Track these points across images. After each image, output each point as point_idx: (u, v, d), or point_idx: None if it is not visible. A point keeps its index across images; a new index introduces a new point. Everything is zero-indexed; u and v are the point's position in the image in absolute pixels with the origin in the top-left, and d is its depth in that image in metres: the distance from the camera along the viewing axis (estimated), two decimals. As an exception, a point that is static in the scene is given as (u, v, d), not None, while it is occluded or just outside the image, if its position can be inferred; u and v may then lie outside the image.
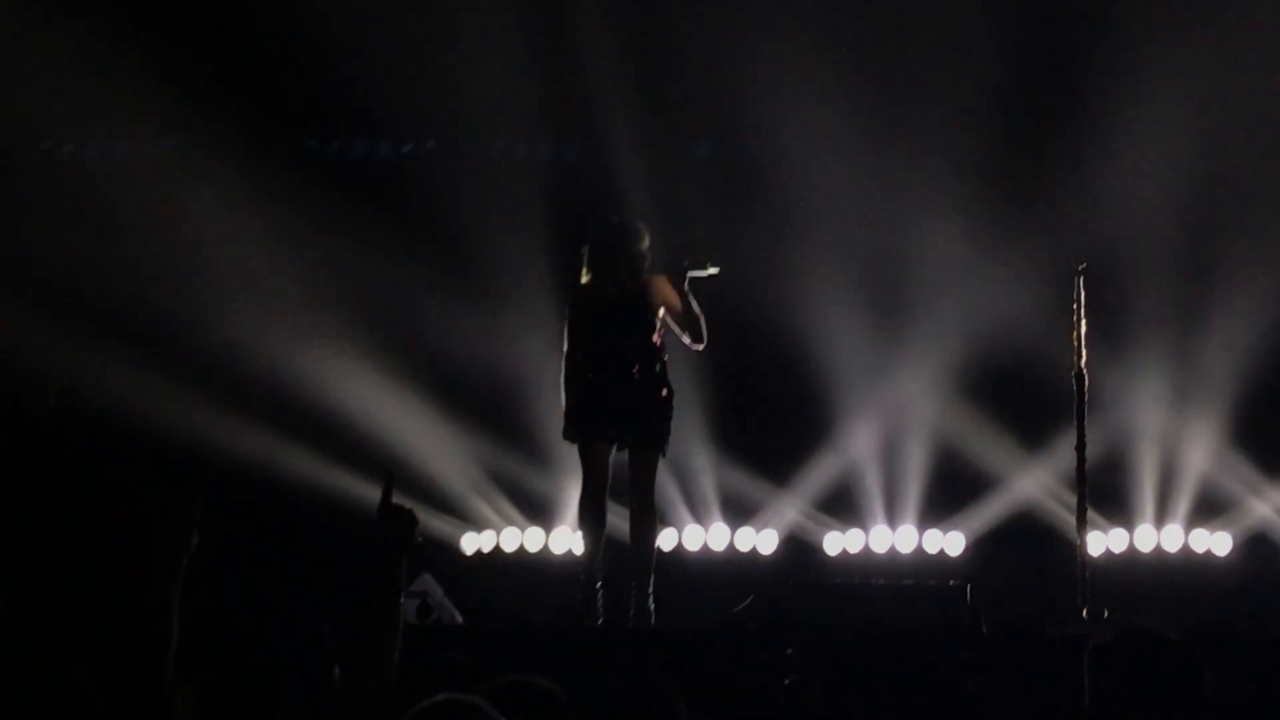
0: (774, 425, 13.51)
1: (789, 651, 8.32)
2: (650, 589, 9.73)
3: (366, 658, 4.64)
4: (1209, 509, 13.10)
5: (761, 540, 13.46)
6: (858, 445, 13.33)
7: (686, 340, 9.85)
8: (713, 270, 9.74)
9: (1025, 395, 12.62)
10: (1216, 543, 13.08)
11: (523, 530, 13.55)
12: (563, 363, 9.86)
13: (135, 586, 4.15)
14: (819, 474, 13.37)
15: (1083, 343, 9.80)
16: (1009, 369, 12.83)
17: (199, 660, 4.19)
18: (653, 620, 9.62)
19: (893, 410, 13.34)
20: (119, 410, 12.41)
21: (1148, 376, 12.95)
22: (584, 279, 9.87)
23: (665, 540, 13.33)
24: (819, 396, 13.31)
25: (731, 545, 13.46)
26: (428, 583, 10.24)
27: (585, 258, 9.87)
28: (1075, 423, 9.88)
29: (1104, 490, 12.03)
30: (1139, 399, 12.99)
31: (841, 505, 13.37)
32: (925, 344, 13.22)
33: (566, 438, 9.91)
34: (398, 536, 4.76)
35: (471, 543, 13.51)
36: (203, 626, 4.34)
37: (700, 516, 13.48)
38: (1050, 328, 11.20)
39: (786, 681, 7.89)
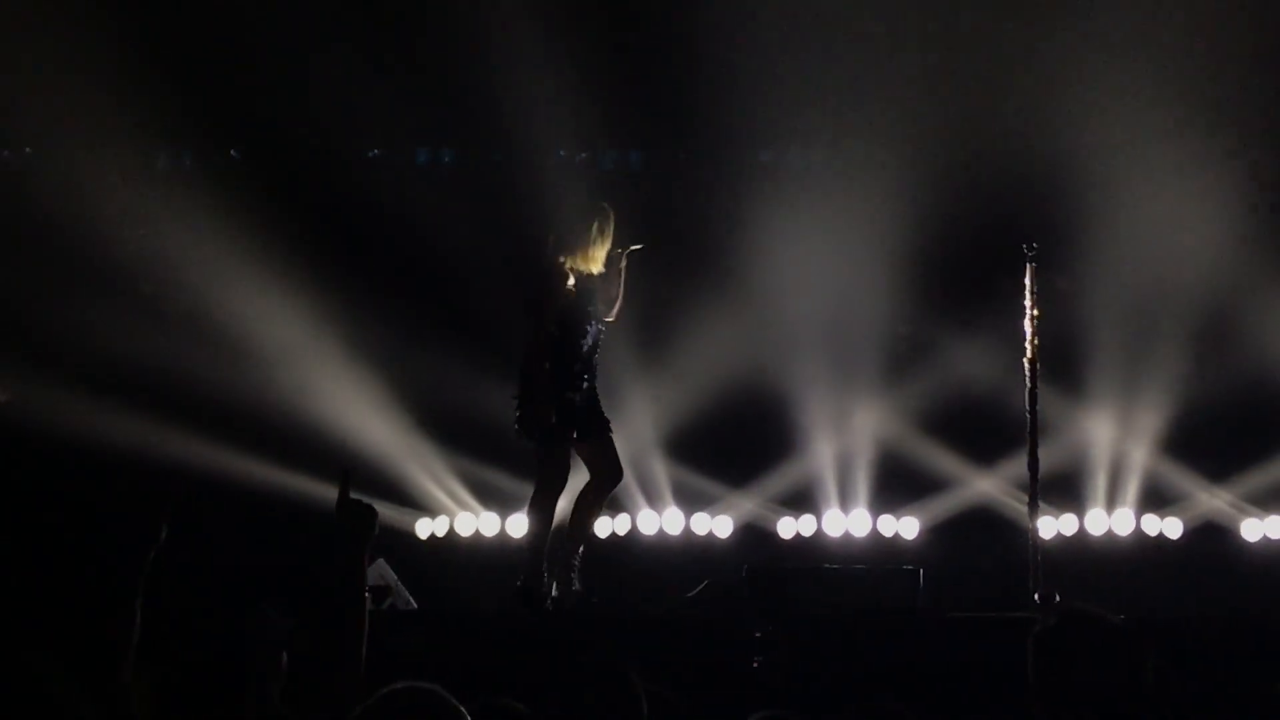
0: (728, 416, 13.50)
1: (757, 634, 8.36)
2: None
3: (335, 648, 4.65)
4: (1158, 499, 13.23)
5: (717, 525, 13.49)
6: (814, 434, 13.38)
7: (607, 315, 9.83)
8: (637, 246, 9.77)
9: (979, 384, 12.71)
10: (1168, 527, 13.19)
11: (477, 515, 13.55)
12: (548, 347, 9.58)
13: (100, 581, 4.17)
14: (775, 465, 13.43)
15: (1034, 328, 9.84)
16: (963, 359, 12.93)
17: (156, 653, 4.20)
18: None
19: (847, 399, 13.39)
20: (73, 409, 12.39)
21: (1100, 364, 13.04)
22: (576, 260, 9.71)
23: (619, 525, 13.41)
24: (774, 388, 13.36)
25: (687, 530, 13.48)
26: (382, 568, 10.22)
27: (581, 238, 9.72)
28: (1028, 408, 9.92)
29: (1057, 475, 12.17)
30: (1092, 387, 13.09)
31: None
32: (876, 335, 13.31)
33: (551, 435, 9.63)
34: (357, 530, 4.78)
35: (426, 528, 13.51)
36: (159, 620, 4.35)
37: (654, 502, 13.51)
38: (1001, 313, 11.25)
39: (755, 664, 7.94)
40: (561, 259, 9.63)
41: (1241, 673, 7.18)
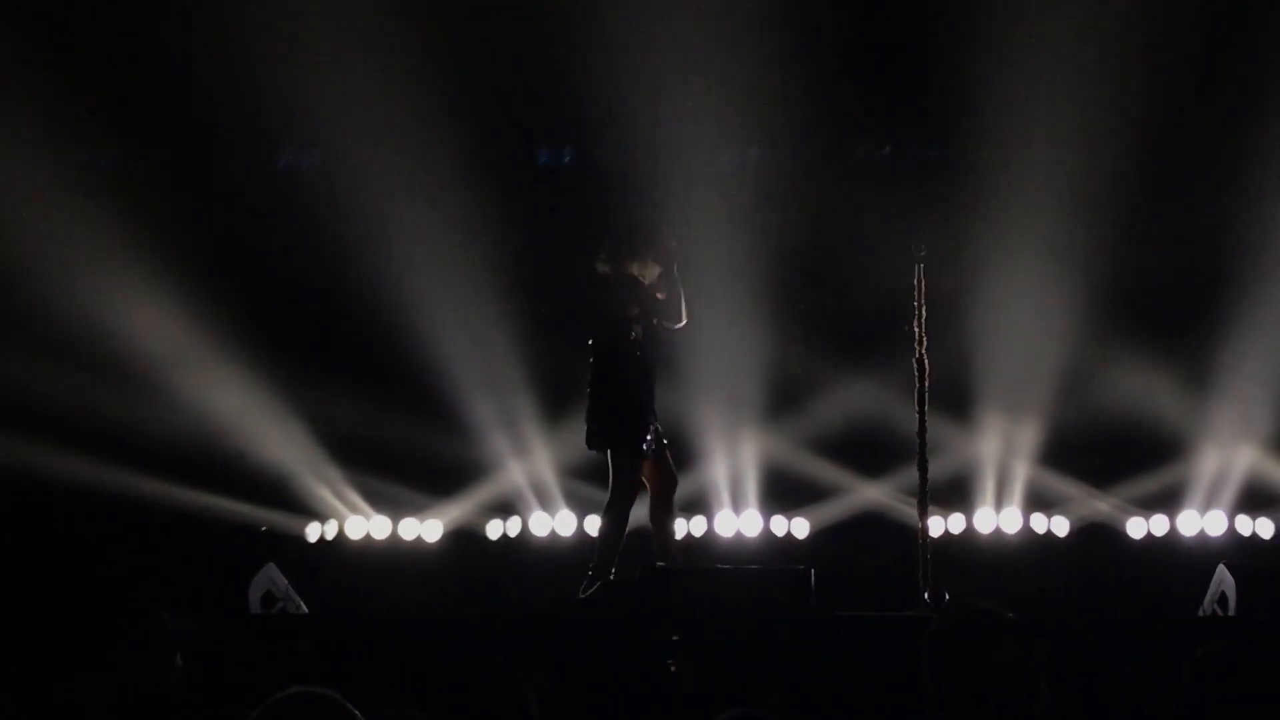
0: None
1: (675, 638, 8.37)
2: None
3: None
4: (1043, 500, 13.40)
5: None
6: (708, 448, 13.43)
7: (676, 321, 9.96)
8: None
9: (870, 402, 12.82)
10: (1055, 526, 13.34)
11: (368, 518, 13.49)
12: (626, 365, 9.74)
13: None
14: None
15: (923, 329, 9.90)
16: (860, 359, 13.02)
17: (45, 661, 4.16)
18: None
19: (741, 416, 13.46)
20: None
21: (989, 358, 13.18)
22: (642, 271, 9.77)
23: (510, 528, 13.41)
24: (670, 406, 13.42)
25: (580, 531, 13.47)
26: (272, 573, 10.15)
27: (647, 250, 9.79)
28: (916, 408, 9.98)
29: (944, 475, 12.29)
30: (980, 381, 13.23)
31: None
32: (778, 334, 13.38)
33: (637, 453, 9.80)
34: None
35: (315, 531, 13.42)
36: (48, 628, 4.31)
37: (547, 503, 13.50)
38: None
39: (672, 667, 7.95)
40: (628, 268, 9.71)
41: (1128, 666, 7.28)
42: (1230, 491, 13.27)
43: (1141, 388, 13.13)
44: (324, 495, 13.42)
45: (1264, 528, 13.21)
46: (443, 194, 13.25)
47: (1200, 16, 12.68)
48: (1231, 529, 13.20)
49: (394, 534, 13.45)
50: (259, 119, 13.38)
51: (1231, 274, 13.18)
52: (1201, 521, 13.24)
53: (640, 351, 9.72)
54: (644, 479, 9.94)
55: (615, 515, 9.86)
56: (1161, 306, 13.52)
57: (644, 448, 9.75)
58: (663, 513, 9.99)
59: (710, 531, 13.40)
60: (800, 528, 13.40)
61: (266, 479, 13.10)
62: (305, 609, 10.37)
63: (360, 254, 13.09)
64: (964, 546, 13.17)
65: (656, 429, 9.86)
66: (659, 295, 9.81)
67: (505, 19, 13.05)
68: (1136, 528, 13.32)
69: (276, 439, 13.19)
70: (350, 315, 13.33)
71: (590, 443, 9.94)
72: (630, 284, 9.73)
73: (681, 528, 13.37)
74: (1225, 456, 13.27)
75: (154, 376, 12.90)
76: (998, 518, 13.32)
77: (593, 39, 12.48)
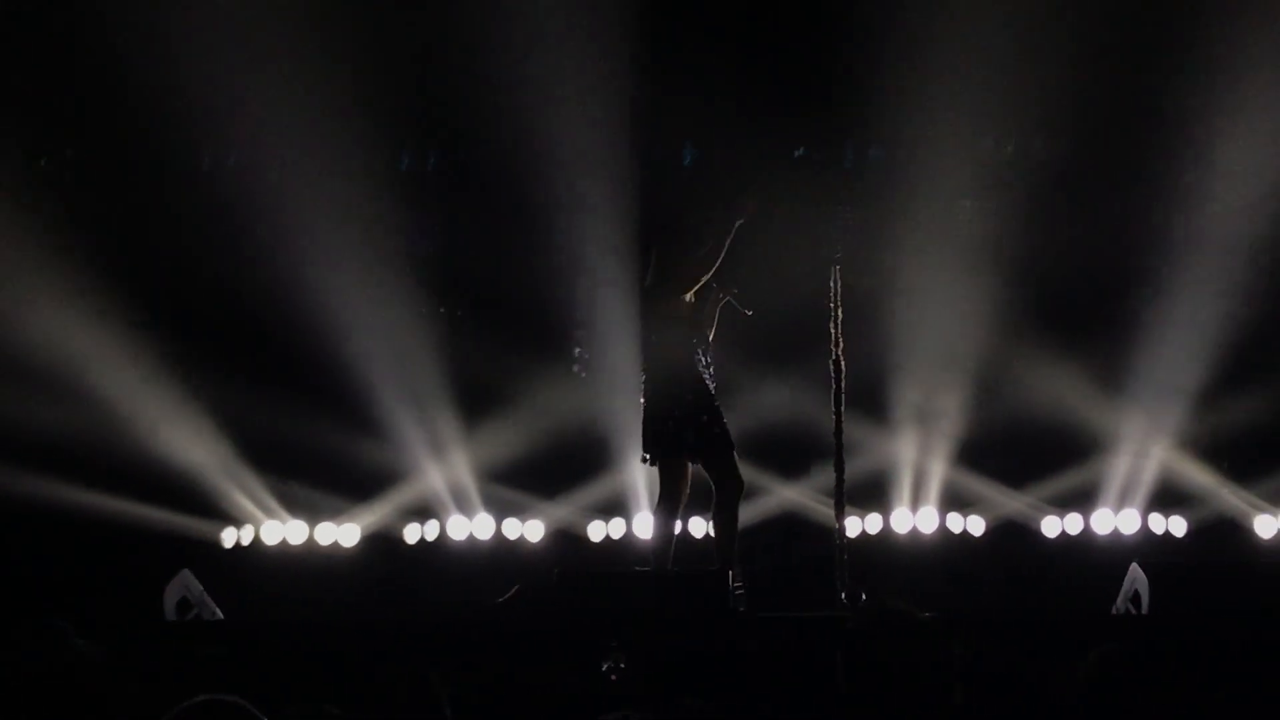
0: (545, 439, 13.52)
1: (614, 644, 8.36)
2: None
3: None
4: (959, 499, 13.48)
5: (528, 530, 13.47)
6: (625, 453, 13.44)
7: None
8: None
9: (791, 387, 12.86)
10: (971, 525, 13.43)
11: (284, 523, 13.41)
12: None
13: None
14: (589, 479, 13.47)
15: (839, 330, 9.94)
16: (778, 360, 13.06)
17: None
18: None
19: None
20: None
21: (906, 359, 13.26)
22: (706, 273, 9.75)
23: (428, 532, 13.37)
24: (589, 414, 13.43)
25: (498, 535, 13.46)
26: (187, 579, 10.06)
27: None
28: (833, 409, 10.02)
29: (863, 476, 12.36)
30: (897, 382, 13.30)
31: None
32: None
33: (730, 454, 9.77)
34: None
35: (231, 537, 13.34)
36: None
37: (464, 507, 13.47)
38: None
39: (606, 668, 7.93)
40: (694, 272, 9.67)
41: (1043, 663, 7.31)
42: (1143, 490, 13.39)
43: (1056, 388, 13.24)
44: (240, 500, 13.33)
45: (1176, 526, 13.35)
46: (362, 197, 13.21)
47: (1116, 17, 12.78)
48: (1145, 527, 13.34)
49: (310, 539, 13.39)
50: (177, 120, 13.29)
51: (1145, 275, 13.31)
52: (1115, 520, 13.37)
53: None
54: (683, 481, 9.88)
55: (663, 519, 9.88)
56: (1076, 307, 13.64)
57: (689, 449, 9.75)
58: (726, 516, 9.91)
59: (629, 534, 13.41)
60: (720, 529, 13.41)
61: (181, 484, 13.00)
62: (220, 615, 10.29)
63: (276, 257, 13.02)
64: (881, 546, 13.23)
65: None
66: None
67: (417, 24, 13.03)
68: (1051, 526, 13.43)
69: (191, 443, 13.10)
70: (265, 318, 13.24)
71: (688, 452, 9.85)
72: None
73: (600, 530, 13.43)
74: (1138, 456, 13.40)
75: (64, 380, 12.78)
76: (914, 517, 13.40)
77: (492, 43, 12.53)
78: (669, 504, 9.79)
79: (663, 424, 9.69)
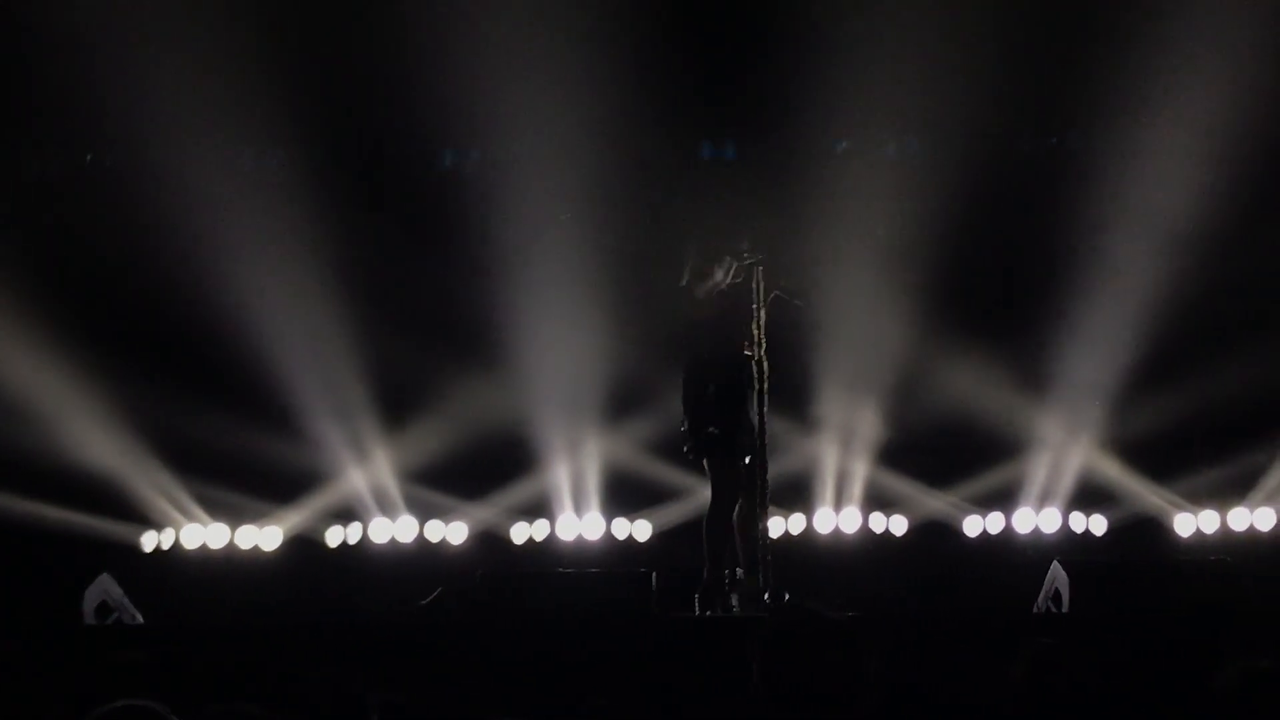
0: (470, 444, 13.49)
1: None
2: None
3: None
4: (881, 499, 13.55)
5: (451, 532, 13.44)
6: (550, 456, 13.44)
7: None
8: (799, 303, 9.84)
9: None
10: (894, 525, 13.50)
11: (205, 526, 13.33)
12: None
13: None
14: (512, 481, 13.46)
15: (762, 331, 9.95)
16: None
17: None
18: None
19: (582, 426, 13.50)
20: None
21: (828, 359, 13.31)
22: (714, 279, 9.72)
23: (350, 534, 13.31)
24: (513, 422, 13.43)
25: (421, 537, 13.42)
26: (106, 583, 9.98)
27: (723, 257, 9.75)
28: (757, 408, 10.02)
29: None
30: (819, 382, 13.35)
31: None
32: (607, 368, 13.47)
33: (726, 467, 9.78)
34: None
35: (151, 541, 13.24)
36: None
37: (387, 509, 13.43)
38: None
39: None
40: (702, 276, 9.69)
41: (964, 662, 7.35)
42: (1064, 489, 13.50)
43: (976, 387, 13.32)
44: (159, 503, 13.24)
45: (1096, 525, 13.46)
46: (281, 198, 13.15)
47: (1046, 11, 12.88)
48: (1065, 526, 13.44)
49: (231, 542, 13.31)
50: (94, 121, 13.21)
51: (1063, 274, 13.41)
52: (1036, 519, 13.47)
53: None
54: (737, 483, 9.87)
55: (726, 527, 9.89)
56: (995, 306, 13.74)
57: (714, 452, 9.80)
58: (749, 520, 9.98)
59: (552, 535, 13.40)
60: (642, 531, 13.44)
61: (100, 487, 12.89)
62: (141, 619, 10.22)
63: (196, 258, 12.94)
64: (804, 546, 13.27)
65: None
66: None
67: (340, 25, 12.99)
68: (973, 526, 13.52)
69: (110, 446, 12.99)
70: (185, 320, 13.16)
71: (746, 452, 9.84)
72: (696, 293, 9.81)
73: (524, 532, 13.41)
74: (1058, 455, 13.50)
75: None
76: (837, 517, 13.45)
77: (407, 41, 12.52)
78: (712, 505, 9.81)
79: (681, 423, 9.76)
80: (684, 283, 9.81)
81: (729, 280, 9.87)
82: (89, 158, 13.99)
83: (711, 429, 9.69)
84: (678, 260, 9.87)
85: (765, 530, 9.90)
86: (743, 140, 14.17)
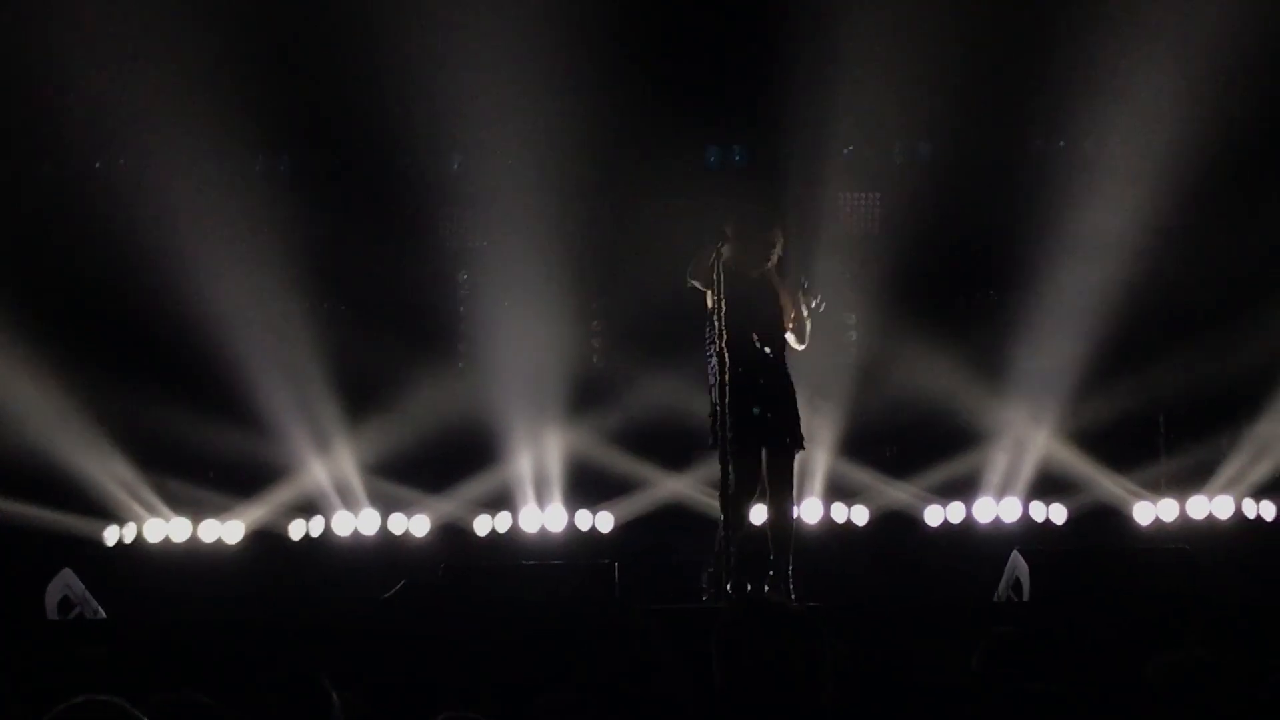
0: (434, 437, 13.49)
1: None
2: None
3: None
4: (843, 489, 13.60)
5: (414, 525, 13.44)
6: (513, 448, 13.45)
7: (792, 340, 9.83)
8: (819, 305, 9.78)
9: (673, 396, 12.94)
10: (855, 514, 13.54)
11: (167, 521, 13.30)
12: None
13: None
14: (475, 474, 13.47)
15: (723, 322, 9.94)
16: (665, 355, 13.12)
17: None
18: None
19: (545, 418, 13.51)
20: None
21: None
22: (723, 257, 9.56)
23: (313, 528, 13.31)
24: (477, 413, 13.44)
25: (384, 530, 13.42)
26: (69, 577, 9.97)
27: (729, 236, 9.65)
28: (719, 402, 10.02)
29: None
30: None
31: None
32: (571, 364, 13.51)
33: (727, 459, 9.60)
34: None
35: (114, 535, 13.21)
36: None
37: (350, 502, 13.42)
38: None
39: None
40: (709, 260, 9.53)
41: (925, 651, 7.38)
42: (1024, 479, 13.56)
43: (937, 377, 13.38)
44: (121, 497, 13.20)
45: (1056, 514, 13.53)
46: (243, 193, 13.13)
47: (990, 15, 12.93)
48: (1026, 515, 13.50)
49: (194, 536, 13.29)
50: (54, 117, 13.17)
51: (1023, 263, 13.48)
52: (997, 508, 13.53)
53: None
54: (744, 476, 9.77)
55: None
56: (955, 296, 13.80)
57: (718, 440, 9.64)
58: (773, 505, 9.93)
59: (515, 527, 13.42)
60: (605, 522, 13.47)
61: (62, 481, 12.86)
62: (103, 614, 10.20)
63: (157, 252, 12.90)
64: (765, 539, 13.28)
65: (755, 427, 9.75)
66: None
67: (292, 21, 12.97)
68: (934, 515, 13.58)
69: (72, 440, 12.95)
70: (148, 314, 13.13)
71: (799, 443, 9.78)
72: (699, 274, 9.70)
73: (486, 524, 13.41)
74: (1019, 444, 13.56)
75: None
76: (799, 508, 13.47)
77: (376, 50, 12.51)
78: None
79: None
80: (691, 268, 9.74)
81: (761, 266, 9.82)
82: (67, 157, 13.93)
83: (714, 417, 9.68)
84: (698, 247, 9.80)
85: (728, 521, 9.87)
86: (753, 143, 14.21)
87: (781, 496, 9.81)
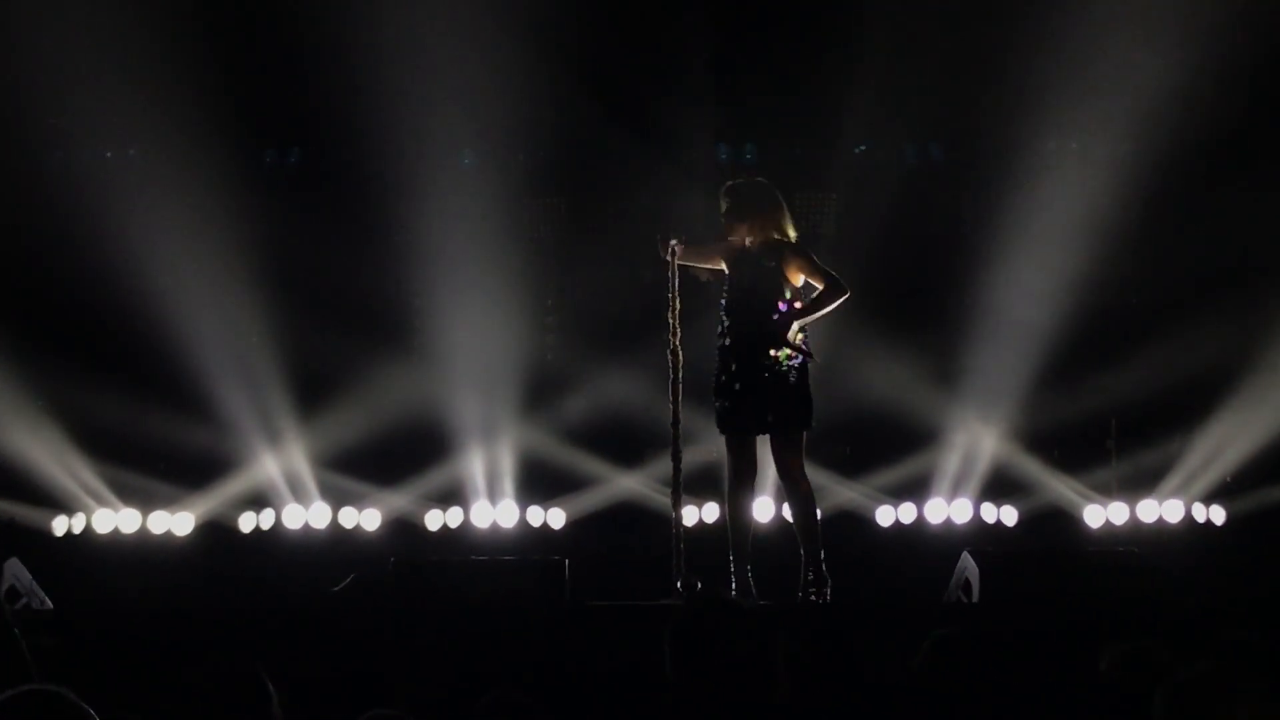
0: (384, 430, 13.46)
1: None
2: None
3: None
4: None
5: (364, 519, 13.42)
6: (464, 443, 13.43)
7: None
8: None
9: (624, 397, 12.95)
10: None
11: (116, 511, 13.24)
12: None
13: None
14: (426, 468, 13.45)
15: (677, 320, 9.94)
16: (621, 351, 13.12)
17: None
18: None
19: (497, 414, 13.50)
20: None
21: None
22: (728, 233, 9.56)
23: (263, 520, 13.26)
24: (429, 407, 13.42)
25: (334, 523, 13.39)
26: (15, 567, 9.90)
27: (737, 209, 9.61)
28: (670, 398, 10.03)
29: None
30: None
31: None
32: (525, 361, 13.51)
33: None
34: None
35: (62, 525, 13.14)
36: None
37: (300, 495, 13.39)
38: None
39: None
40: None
41: (874, 652, 7.41)
42: (975, 480, 13.61)
43: (889, 378, 13.41)
44: (70, 488, 13.13)
45: (1007, 515, 13.58)
46: (194, 187, 13.09)
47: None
48: (976, 516, 13.55)
49: (143, 527, 13.23)
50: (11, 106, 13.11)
51: (974, 265, 13.53)
52: (948, 509, 13.57)
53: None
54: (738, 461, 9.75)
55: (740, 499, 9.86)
56: (908, 297, 13.83)
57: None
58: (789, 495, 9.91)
59: (466, 522, 13.40)
60: (556, 518, 13.46)
61: (10, 471, 12.79)
62: (50, 605, 10.15)
63: (108, 243, 12.84)
64: (718, 535, 13.26)
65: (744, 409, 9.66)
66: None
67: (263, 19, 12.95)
68: (885, 515, 13.61)
69: (20, 429, 12.89)
70: (100, 305, 13.08)
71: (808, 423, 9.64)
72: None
73: (438, 519, 13.39)
74: (970, 445, 13.61)
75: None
76: (751, 507, 13.47)
77: (325, 45, 12.47)
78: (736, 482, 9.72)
79: None
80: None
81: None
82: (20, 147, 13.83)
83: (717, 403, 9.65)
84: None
85: (680, 518, 9.85)
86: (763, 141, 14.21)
87: (792, 484, 9.73)
